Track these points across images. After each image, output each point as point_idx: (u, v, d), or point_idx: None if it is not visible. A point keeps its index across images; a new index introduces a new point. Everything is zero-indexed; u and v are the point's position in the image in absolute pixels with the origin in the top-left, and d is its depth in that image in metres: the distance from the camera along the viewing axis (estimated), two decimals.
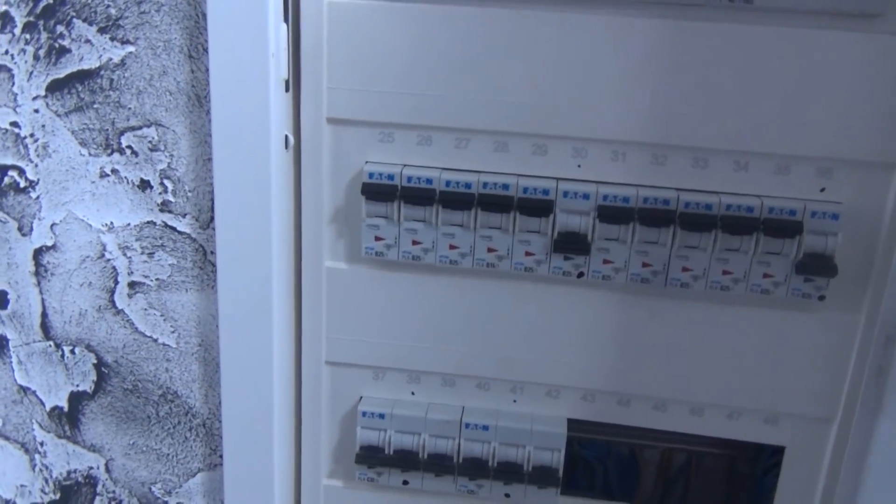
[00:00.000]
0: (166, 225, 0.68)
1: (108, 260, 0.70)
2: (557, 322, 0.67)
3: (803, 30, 0.58)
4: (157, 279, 0.70)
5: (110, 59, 0.64)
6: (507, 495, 0.70)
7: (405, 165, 0.64)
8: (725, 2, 0.58)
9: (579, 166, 0.64)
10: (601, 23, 0.59)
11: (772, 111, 0.60)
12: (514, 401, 0.70)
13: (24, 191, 0.69)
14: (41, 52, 0.65)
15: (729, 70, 0.59)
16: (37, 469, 0.78)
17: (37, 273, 0.71)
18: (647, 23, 0.59)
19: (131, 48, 0.64)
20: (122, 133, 0.66)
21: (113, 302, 0.71)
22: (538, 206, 0.63)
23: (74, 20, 0.64)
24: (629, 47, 0.60)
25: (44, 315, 0.73)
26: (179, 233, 0.68)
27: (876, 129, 0.59)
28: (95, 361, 0.73)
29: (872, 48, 0.58)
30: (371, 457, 0.70)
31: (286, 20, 0.62)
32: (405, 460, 0.70)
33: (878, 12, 0.57)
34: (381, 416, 0.69)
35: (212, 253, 0.68)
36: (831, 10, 0.57)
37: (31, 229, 0.70)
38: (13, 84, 0.66)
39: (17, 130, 0.67)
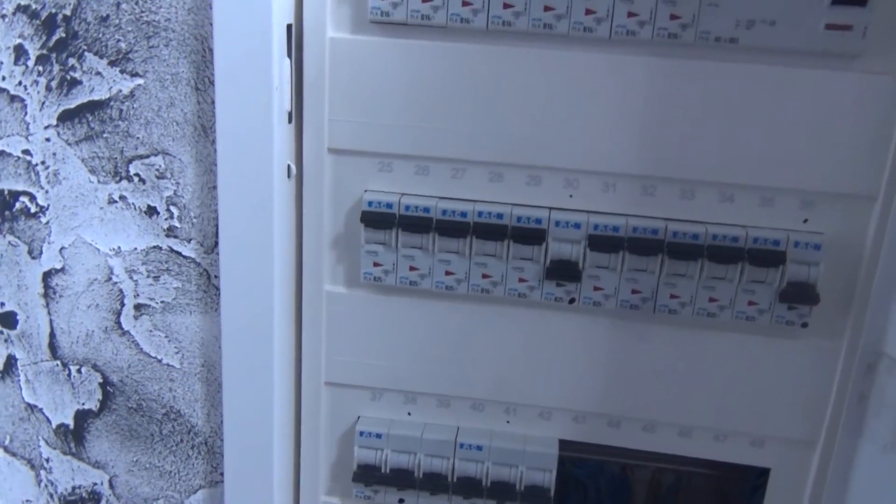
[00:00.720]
0: (172, 250, 0.70)
1: (115, 283, 0.72)
2: (549, 346, 0.69)
3: (787, 68, 0.60)
4: (162, 302, 0.72)
5: (120, 91, 0.67)
6: None
7: (403, 194, 0.67)
8: (712, 41, 0.60)
9: (571, 196, 0.66)
10: (593, 60, 0.62)
11: (756, 145, 0.62)
12: (508, 422, 0.72)
13: (34, 216, 0.71)
14: (53, 84, 0.67)
15: (715, 106, 0.61)
16: (42, 485, 0.80)
17: (45, 295, 0.74)
18: (638, 60, 0.61)
19: (140, 80, 0.66)
20: (130, 161, 0.69)
21: (119, 323, 0.73)
22: (531, 235, 0.65)
23: (86, 53, 0.66)
24: (620, 83, 0.62)
25: (52, 335, 0.75)
26: (184, 257, 0.71)
27: (857, 162, 0.62)
28: (101, 380, 0.76)
29: (853, 86, 0.60)
30: (368, 475, 0.72)
31: (289, 55, 0.64)
32: (401, 479, 0.72)
33: (857, 53, 0.59)
34: (378, 435, 0.72)
35: (215, 277, 0.70)
36: (813, 50, 0.59)
37: (41, 252, 0.73)
38: (26, 114, 0.68)
39: (28, 158, 0.70)
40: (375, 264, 0.68)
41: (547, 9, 0.61)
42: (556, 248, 0.65)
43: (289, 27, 0.64)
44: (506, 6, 0.61)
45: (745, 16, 0.59)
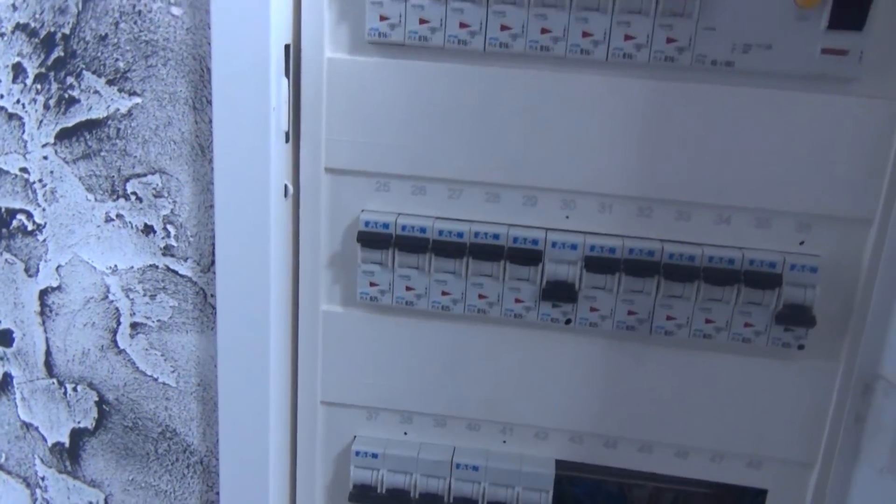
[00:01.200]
0: (168, 268, 0.70)
1: (112, 301, 0.72)
2: (546, 366, 0.69)
3: (783, 91, 0.61)
4: (158, 320, 0.72)
5: (118, 110, 0.67)
6: None
7: (400, 214, 0.67)
8: (708, 64, 0.60)
9: (567, 217, 0.66)
10: (590, 81, 0.62)
11: (753, 167, 0.62)
12: (504, 441, 0.72)
13: (31, 234, 0.71)
14: (51, 102, 0.68)
15: (712, 128, 0.62)
16: (38, 503, 0.80)
17: (42, 313, 0.74)
18: (634, 82, 0.62)
19: (138, 99, 0.67)
20: (127, 180, 0.69)
21: (115, 342, 0.73)
22: (528, 256, 0.65)
23: (84, 72, 0.66)
24: (617, 105, 0.62)
25: (48, 353, 0.75)
26: (181, 276, 0.70)
27: (853, 185, 0.62)
28: (97, 399, 0.75)
29: (849, 110, 0.60)
30: (364, 495, 0.72)
31: (287, 75, 0.64)
32: (397, 499, 0.71)
33: (854, 77, 0.60)
34: (375, 455, 0.71)
35: (212, 296, 0.70)
36: (809, 73, 0.60)
37: (38, 271, 0.73)
38: (23, 132, 0.69)
39: (26, 176, 0.70)
40: (372, 284, 0.68)
41: (544, 31, 0.61)
42: (553, 269, 0.65)
43: (287, 47, 0.64)
44: (503, 28, 0.62)
45: (741, 39, 0.60)
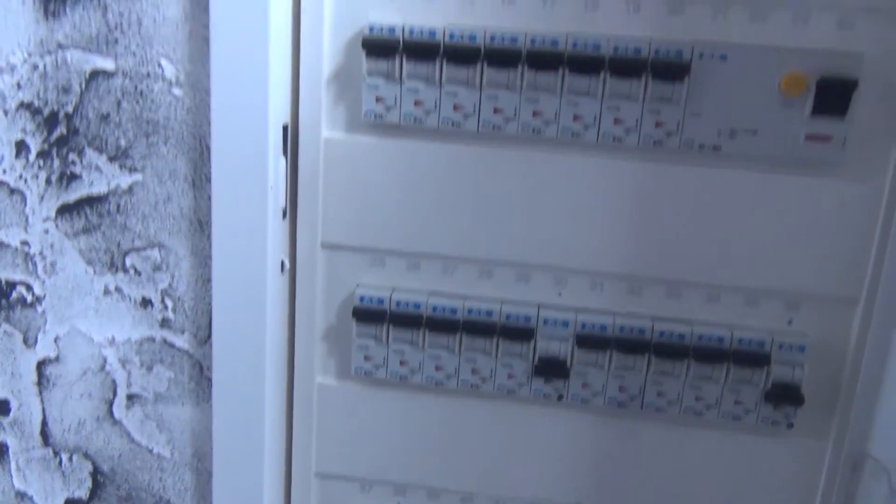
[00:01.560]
0: (165, 341, 0.71)
1: (108, 372, 0.73)
2: (537, 442, 0.69)
3: (769, 175, 0.62)
4: (154, 392, 0.72)
5: (118, 186, 0.68)
6: None
7: (395, 290, 0.68)
8: (696, 148, 0.62)
9: (560, 294, 0.67)
10: (581, 163, 0.63)
11: (741, 247, 0.63)
12: None
13: (30, 305, 0.72)
14: (53, 178, 0.69)
15: (701, 208, 0.63)
16: None
17: (39, 383, 0.74)
18: (624, 164, 0.63)
19: (139, 176, 0.68)
20: (126, 253, 0.70)
21: (111, 412, 0.74)
22: (520, 332, 0.66)
23: (86, 149, 0.68)
24: (608, 186, 0.64)
25: (44, 423, 0.75)
26: (177, 348, 0.71)
27: (839, 265, 0.63)
28: (92, 469, 0.76)
29: (834, 193, 0.62)
30: None
31: (285, 153, 0.66)
32: None
33: (837, 162, 0.61)
34: None
35: (208, 368, 0.71)
36: (794, 158, 0.61)
37: (36, 341, 0.73)
38: (26, 206, 0.70)
39: (27, 249, 0.71)
40: (366, 358, 0.69)
41: (536, 114, 0.63)
42: (545, 346, 0.66)
43: (285, 127, 0.65)
44: (496, 111, 0.63)
45: (728, 125, 0.61)
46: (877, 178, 0.61)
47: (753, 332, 0.64)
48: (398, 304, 0.67)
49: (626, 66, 0.60)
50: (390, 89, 0.64)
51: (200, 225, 0.68)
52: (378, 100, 0.64)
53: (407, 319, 0.67)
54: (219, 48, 0.62)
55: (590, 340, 0.66)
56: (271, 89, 0.63)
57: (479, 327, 0.67)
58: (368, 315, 0.67)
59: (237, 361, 0.68)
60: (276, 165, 0.65)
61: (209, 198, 0.66)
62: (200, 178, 0.67)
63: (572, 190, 0.64)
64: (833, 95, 0.59)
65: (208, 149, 0.66)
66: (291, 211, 0.68)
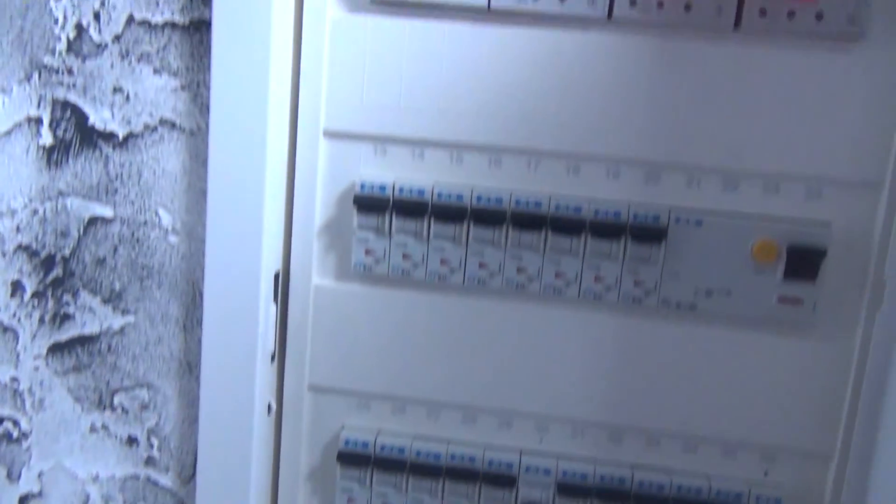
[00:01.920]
0: (149, 479, 0.72)
1: None
2: None
3: (743, 333, 0.64)
4: None
5: (110, 327, 0.70)
6: None
7: (379, 433, 0.69)
8: (673, 306, 0.64)
9: (541, 441, 0.68)
10: (562, 316, 0.66)
11: (718, 400, 0.65)
12: None
13: (16, 441, 0.73)
14: (46, 317, 0.70)
15: (679, 363, 0.65)
16: None
17: None
18: (604, 318, 0.65)
19: (131, 318, 0.69)
20: (115, 392, 0.71)
21: None
22: (502, 479, 0.67)
23: (81, 291, 0.69)
24: (587, 338, 0.66)
25: None
26: (161, 487, 0.72)
27: (814, 421, 0.65)
28: None
29: (806, 353, 0.64)
30: None
31: (276, 300, 0.67)
32: None
33: (809, 324, 0.63)
34: None
35: None
36: (767, 319, 0.63)
37: (20, 476, 0.73)
38: (17, 344, 0.71)
39: (16, 385, 0.72)
40: (349, 501, 0.69)
41: (519, 270, 0.65)
42: (527, 493, 0.67)
43: (276, 275, 0.67)
44: (481, 266, 0.65)
45: (704, 285, 0.64)
46: (847, 339, 0.64)
47: (731, 483, 0.66)
48: (382, 447, 0.68)
49: (607, 228, 0.63)
50: (379, 243, 0.66)
51: (189, 367, 0.70)
52: (367, 252, 0.66)
53: (391, 464, 0.68)
54: (216, 200, 0.65)
55: (571, 489, 0.67)
56: (265, 240, 0.65)
57: (461, 473, 0.68)
58: (353, 459, 0.68)
59: (221, 501, 0.69)
60: (267, 312, 0.67)
61: (199, 341, 0.67)
62: (192, 322, 0.69)
63: (554, 342, 0.66)
64: (803, 262, 0.62)
65: (201, 294, 0.68)
66: (280, 354, 0.69)
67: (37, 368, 0.71)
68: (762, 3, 0.59)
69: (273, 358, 0.69)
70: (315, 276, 0.68)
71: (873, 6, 0.58)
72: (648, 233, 0.63)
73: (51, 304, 0.70)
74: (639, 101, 0.62)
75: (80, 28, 0.65)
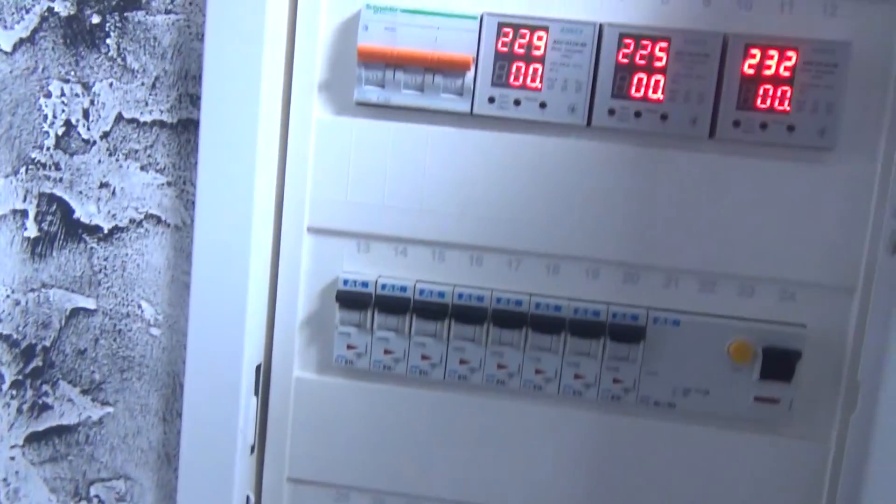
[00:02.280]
0: None
1: None
2: None
3: (720, 431, 0.65)
4: None
5: (89, 417, 0.69)
6: None
7: None
8: (651, 404, 0.65)
9: None
10: (541, 412, 0.66)
11: (698, 495, 0.66)
12: None
13: None
14: (24, 407, 0.70)
15: (659, 460, 0.66)
16: None
17: None
18: (584, 415, 0.66)
19: (110, 409, 0.69)
20: (91, 483, 0.70)
21: None
22: None
23: (60, 381, 0.69)
24: (568, 436, 0.66)
25: None
26: None
27: None
28: None
29: (784, 450, 0.64)
30: None
31: (256, 393, 0.67)
32: None
33: (784, 422, 0.64)
34: None
35: None
36: (744, 417, 0.64)
37: None
38: None
39: None
40: None
41: (500, 367, 0.66)
42: None
43: (258, 367, 0.67)
44: (462, 362, 0.66)
45: (681, 384, 0.64)
46: (823, 439, 0.64)
47: None
48: None
49: (586, 327, 0.64)
50: (361, 338, 0.66)
51: (168, 458, 0.69)
52: (349, 347, 0.67)
53: None
54: (199, 293, 0.65)
55: None
56: (247, 333, 0.66)
57: None
58: None
59: None
60: (248, 404, 0.67)
61: (178, 432, 0.67)
62: (171, 414, 0.69)
63: (534, 438, 0.67)
64: (779, 363, 0.63)
65: (181, 386, 0.68)
66: (259, 446, 0.69)
67: (13, 458, 0.71)
68: (736, 115, 0.60)
69: (253, 450, 0.68)
70: (296, 368, 0.69)
71: (843, 120, 0.60)
72: (627, 332, 0.64)
73: (29, 393, 0.70)
74: (617, 204, 0.63)
75: (69, 125, 0.66)
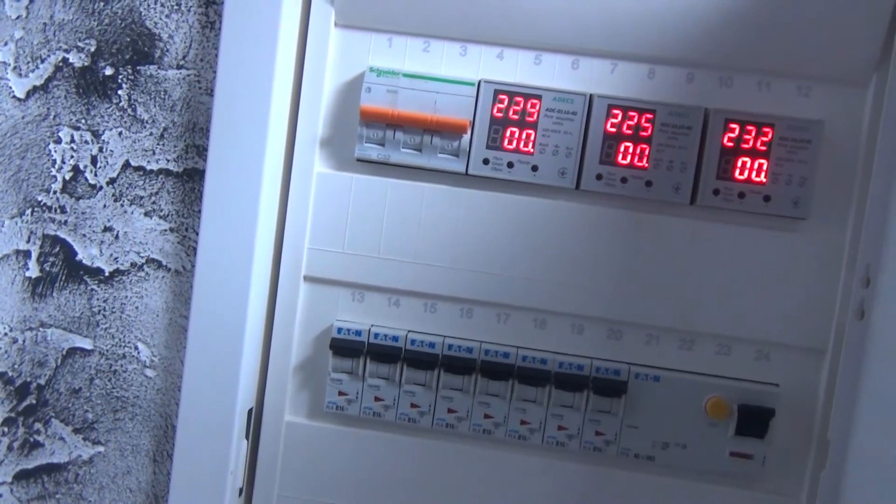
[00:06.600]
0: None
1: None
2: None
3: (697, 484, 0.67)
4: None
5: (79, 456, 0.70)
6: None
7: None
8: (632, 457, 0.67)
9: None
10: (526, 462, 0.68)
11: None
12: None
13: None
14: (16, 444, 0.71)
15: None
16: None
17: None
18: (567, 466, 0.68)
19: (101, 448, 0.70)
20: None
21: None
22: None
23: (52, 420, 0.70)
24: (551, 485, 0.68)
25: None
26: None
27: None
28: None
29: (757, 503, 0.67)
30: None
31: (247, 437, 0.69)
32: None
33: (758, 477, 0.67)
34: None
35: None
36: (720, 471, 0.67)
37: None
38: None
39: None
40: None
41: (486, 416, 0.68)
42: None
43: (249, 411, 0.69)
44: (449, 411, 0.68)
45: (661, 438, 0.67)
46: (795, 493, 0.67)
47: None
48: None
49: (570, 380, 0.67)
50: (353, 385, 0.68)
51: (156, 499, 0.70)
52: (340, 393, 0.69)
53: None
54: (196, 337, 0.67)
55: None
56: (242, 378, 0.67)
57: None
58: None
59: None
60: (239, 448, 0.68)
61: (168, 474, 0.68)
62: (162, 455, 0.70)
63: (518, 486, 0.69)
64: (754, 420, 0.66)
65: (173, 427, 0.69)
66: (248, 489, 0.70)
67: (1, 495, 0.71)
68: (716, 184, 0.64)
69: (241, 493, 0.70)
70: (287, 413, 0.70)
71: (815, 193, 0.64)
72: (609, 386, 0.66)
73: (21, 431, 0.71)
74: (603, 264, 0.66)
75: (76, 170, 0.68)
